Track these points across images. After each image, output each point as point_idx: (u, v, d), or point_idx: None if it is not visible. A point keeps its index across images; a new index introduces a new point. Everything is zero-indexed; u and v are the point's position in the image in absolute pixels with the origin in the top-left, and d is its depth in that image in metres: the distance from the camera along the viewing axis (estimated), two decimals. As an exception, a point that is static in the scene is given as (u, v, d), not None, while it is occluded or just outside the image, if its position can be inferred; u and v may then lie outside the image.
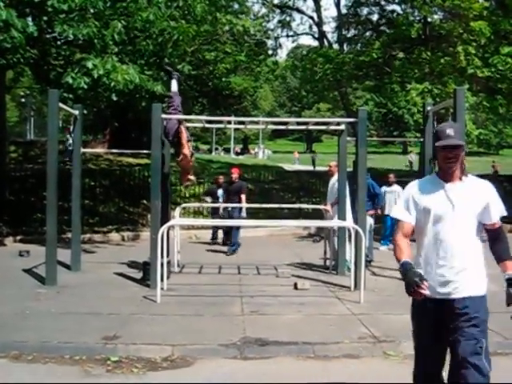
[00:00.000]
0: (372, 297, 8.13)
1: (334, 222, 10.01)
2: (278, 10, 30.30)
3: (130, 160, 21.91)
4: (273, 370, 5.37)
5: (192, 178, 9.97)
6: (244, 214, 13.17)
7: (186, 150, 9.45)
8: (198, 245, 14.06)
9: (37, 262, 10.18)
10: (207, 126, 11.57)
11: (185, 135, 9.41)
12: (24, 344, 5.74)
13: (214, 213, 13.93)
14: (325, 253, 10.95)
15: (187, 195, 18.18)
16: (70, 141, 10.03)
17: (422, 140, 11.01)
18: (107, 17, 11.77)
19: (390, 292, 8.54)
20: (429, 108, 10.27)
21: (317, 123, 11.78)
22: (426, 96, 16.61)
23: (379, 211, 12.38)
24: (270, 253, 12.91)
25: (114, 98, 12.53)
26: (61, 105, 9.31)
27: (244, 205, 12.82)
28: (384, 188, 13.17)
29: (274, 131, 75.84)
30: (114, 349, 5.70)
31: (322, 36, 29.67)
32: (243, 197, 12.93)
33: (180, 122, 9.57)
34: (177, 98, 9.95)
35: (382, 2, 26.72)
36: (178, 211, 11.74)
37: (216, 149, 62.51)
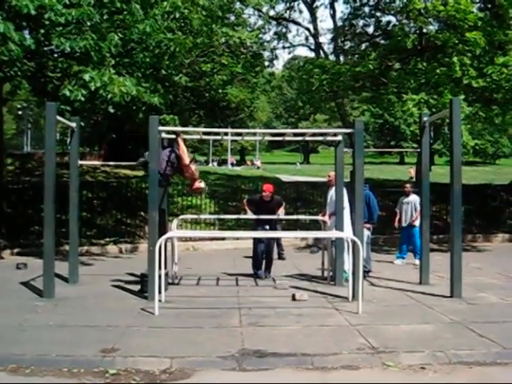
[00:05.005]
0: (370, 307, 8.11)
1: (332, 233, 10.00)
2: (274, 22, 30.48)
3: (127, 172, 21.89)
4: (271, 381, 5.35)
5: (202, 185, 10.18)
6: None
7: (186, 160, 9.54)
8: (196, 256, 14.02)
9: (34, 274, 10.18)
10: (204, 137, 11.56)
11: (183, 147, 9.47)
12: (22, 357, 5.71)
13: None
14: (322, 264, 10.94)
15: (193, 203, 18.10)
16: None
17: (418, 151, 11.05)
18: (104, 29, 11.80)
19: (388, 302, 8.55)
20: (425, 119, 10.33)
21: (314, 134, 11.78)
22: (423, 106, 16.63)
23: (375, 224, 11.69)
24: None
25: (111, 110, 12.57)
26: (58, 117, 9.31)
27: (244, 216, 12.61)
28: (401, 199, 13.36)
29: (271, 142, 76.09)
30: (113, 361, 5.68)
31: (318, 47, 29.88)
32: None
33: (177, 134, 9.62)
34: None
35: (378, 14, 26.93)
36: (175, 223, 11.73)
37: (213, 160, 62.58)
